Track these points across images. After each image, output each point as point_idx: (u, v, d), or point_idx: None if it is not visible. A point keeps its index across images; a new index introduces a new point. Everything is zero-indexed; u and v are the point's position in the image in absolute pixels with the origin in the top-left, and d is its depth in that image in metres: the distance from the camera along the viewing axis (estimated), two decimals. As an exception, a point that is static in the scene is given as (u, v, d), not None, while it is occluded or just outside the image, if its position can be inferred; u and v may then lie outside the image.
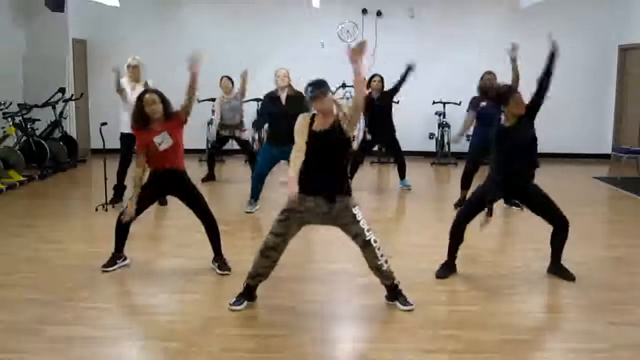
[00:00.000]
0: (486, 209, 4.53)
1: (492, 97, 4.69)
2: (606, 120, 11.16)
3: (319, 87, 3.82)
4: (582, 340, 3.70)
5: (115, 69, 6.57)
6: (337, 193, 3.87)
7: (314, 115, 3.92)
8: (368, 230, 3.93)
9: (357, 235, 3.94)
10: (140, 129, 4.60)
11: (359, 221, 3.92)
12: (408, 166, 8.18)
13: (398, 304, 4.07)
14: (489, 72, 6.90)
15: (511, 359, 3.46)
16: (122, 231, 4.76)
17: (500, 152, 4.52)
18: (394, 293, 4.10)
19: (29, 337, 3.62)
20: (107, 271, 4.71)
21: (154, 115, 4.54)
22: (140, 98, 4.56)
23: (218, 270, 4.73)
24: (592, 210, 7.35)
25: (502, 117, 4.56)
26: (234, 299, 4.06)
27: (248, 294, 4.09)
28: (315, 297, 4.33)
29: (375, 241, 3.94)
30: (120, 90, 6.64)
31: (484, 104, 6.54)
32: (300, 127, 3.92)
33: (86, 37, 10.90)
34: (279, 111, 6.43)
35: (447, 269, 4.72)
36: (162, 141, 4.57)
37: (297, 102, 6.11)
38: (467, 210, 4.75)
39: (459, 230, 4.71)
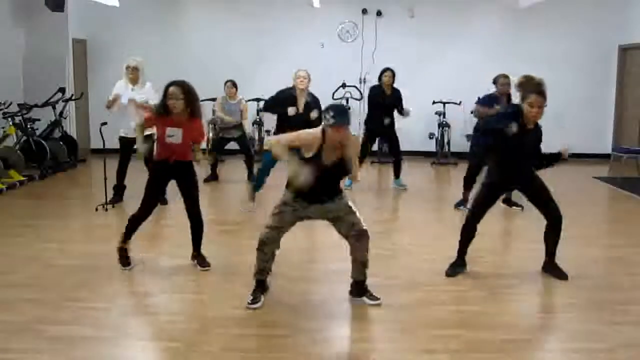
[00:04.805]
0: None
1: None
2: (606, 120, 11.15)
3: (344, 116, 3.77)
4: (582, 340, 3.70)
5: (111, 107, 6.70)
6: (331, 196, 3.98)
7: (324, 133, 3.83)
8: (364, 222, 4.02)
9: (354, 225, 3.99)
10: (161, 115, 4.67)
11: (355, 212, 4.02)
12: (408, 166, 8.18)
13: (365, 299, 4.11)
14: (505, 76, 6.69)
15: (511, 359, 3.47)
16: (134, 223, 4.77)
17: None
18: (361, 289, 4.14)
19: (29, 337, 3.62)
20: (126, 270, 4.73)
21: (173, 109, 4.57)
22: (166, 89, 4.59)
23: (199, 267, 4.77)
24: (592, 210, 7.35)
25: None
26: (251, 298, 4.04)
27: (261, 288, 4.11)
28: (315, 297, 4.33)
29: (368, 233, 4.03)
30: (109, 105, 6.70)
31: (498, 106, 6.44)
32: (310, 141, 3.85)
33: (86, 37, 10.89)
34: (295, 116, 6.40)
35: (457, 267, 4.72)
36: (173, 135, 4.62)
37: (313, 110, 6.30)
38: (476, 208, 4.72)
39: (471, 228, 4.70)
